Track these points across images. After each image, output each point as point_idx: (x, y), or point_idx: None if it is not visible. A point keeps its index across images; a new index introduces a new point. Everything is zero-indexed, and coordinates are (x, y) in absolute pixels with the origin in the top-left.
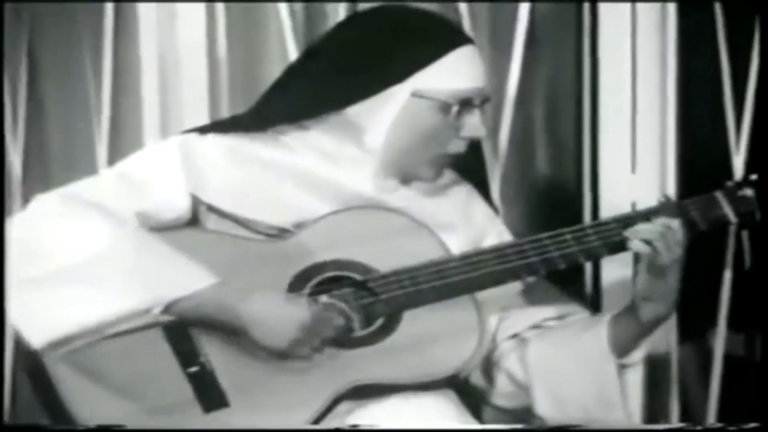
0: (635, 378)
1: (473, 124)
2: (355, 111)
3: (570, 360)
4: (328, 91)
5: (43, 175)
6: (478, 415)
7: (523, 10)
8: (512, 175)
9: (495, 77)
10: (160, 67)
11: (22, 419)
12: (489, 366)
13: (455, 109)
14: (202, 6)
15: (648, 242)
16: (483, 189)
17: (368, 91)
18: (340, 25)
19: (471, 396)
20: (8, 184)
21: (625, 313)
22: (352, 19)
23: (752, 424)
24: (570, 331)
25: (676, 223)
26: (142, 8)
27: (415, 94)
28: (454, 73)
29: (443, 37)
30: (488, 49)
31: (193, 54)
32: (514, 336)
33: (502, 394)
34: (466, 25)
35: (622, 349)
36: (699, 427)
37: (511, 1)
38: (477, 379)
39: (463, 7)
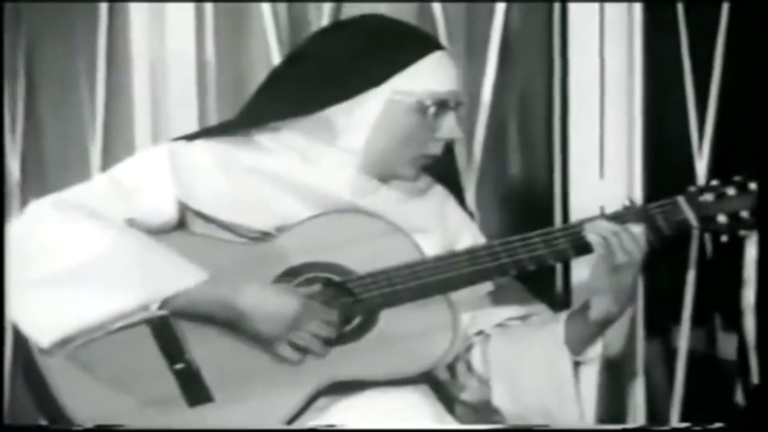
0: (591, 374)
1: (449, 126)
2: (333, 112)
3: (528, 356)
4: (309, 93)
5: (40, 178)
6: (452, 409)
7: (497, 20)
8: (486, 181)
9: (470, 85)
10: (150, 75)
11: (21, 419)
12: (453, 361)
13: (432, 110)
14: (191, 16)
15: (603, 238)
16: (457, 194)
17: (347, 93)
18: (322, 32)
19: (446, 391)
20: (7, 188)
21: (579, 311)
22: (332, 26)
23: (717, 425)
24: (530, 328)
25: (637, 228)
26: (134, 19)
27: (394, 96)
28: (430, 75)
29: (418, 43)
30: (464, 57)
31: (182, 62)
32: (480, 333)
33: (466, 388)
34: (443, 34)
35: (577, 346)
36: (666, 427)
37: (486, 2)
38: (442, 373)
39: (439, 16)
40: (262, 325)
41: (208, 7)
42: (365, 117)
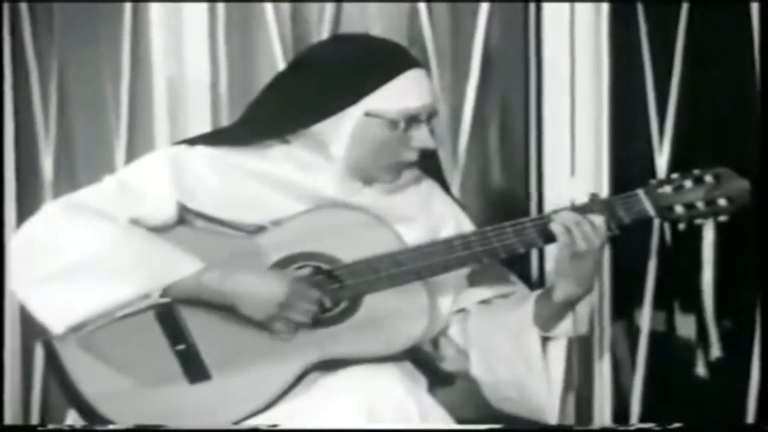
0: (559, 350)
1: (422, 137)
2: (319, 128)
3: (500, 330)
4: (296, 111)
5: (70, 176)
6: (450, 382)
7: (479, 36)
8: (470, 178)
9: (454, 96)
10: (168, 80)
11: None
12: (436, 335)
13: (402, 125)
14: (205, 34)
15: (566, 228)
16: (443, 183)
17: (327, 113)
18: (305, 54)
19: (427, 364)
20: (40, 185)
21: (546, 292)
22: (315, 47)
23: (676, 425)
24: (504, 305)
25: (597, 218)
26: (154, 31)
27: (367, 114)
28: (401, 94)
29: (392, 63)
30: (449, 70)
31: (197, 69)
32: (461, 311)
33: (446, 358)
34: (431, 52)
35: (544, 323)
36: (632, 428)
37: (470, 1)
38: (426, 345)
39: (428, 37)
40: (251, 308)
41: (221, 24)
42: (343, 131)
